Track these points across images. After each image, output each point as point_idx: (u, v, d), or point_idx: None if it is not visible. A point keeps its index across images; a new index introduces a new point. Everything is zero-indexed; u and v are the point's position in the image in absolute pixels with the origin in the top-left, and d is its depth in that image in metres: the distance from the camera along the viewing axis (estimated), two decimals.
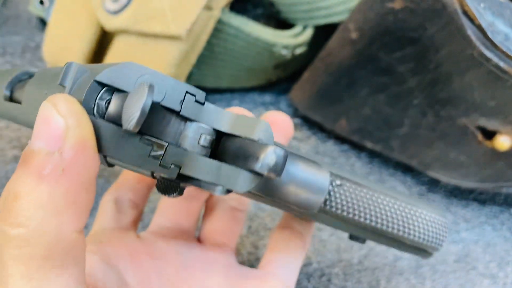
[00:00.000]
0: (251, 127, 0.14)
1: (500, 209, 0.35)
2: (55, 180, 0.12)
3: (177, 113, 0.14)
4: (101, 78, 0.13)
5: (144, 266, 0.20)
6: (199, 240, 0.23)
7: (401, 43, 0.27)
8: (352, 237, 0.21)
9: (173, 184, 0.15)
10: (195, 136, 0.15)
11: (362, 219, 0.19)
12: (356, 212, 0.19)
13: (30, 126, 0.19)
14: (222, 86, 0.37)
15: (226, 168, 0.14)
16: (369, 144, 0.33)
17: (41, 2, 0.39)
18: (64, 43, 0.35)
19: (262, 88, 0.39)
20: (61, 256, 0.13)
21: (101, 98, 0.14)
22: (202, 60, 0.34)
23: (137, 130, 0.13)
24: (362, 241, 0.21)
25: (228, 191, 0.15)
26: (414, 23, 0.25)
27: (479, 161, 0.30)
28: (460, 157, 0.30)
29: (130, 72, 0.14)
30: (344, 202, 0.18)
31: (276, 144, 0.16)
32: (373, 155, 0.36)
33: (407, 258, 0.32)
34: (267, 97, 0.38)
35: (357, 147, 0.36)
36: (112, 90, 0.14)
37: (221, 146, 0.15)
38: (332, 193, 0.18)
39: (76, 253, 0.13)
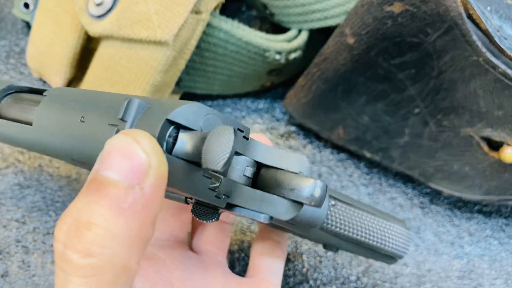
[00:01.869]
0: (291, 161, 0.16)
1: (506, 222, 0.33)
2: (134, 214, 0.13)
3: None
4: (173, 117, 0.14)
5: (151, 278, 0.20)
6: (192, 250, 0.24)
7: (401, 49, 0.25)
8: (326, 246, 0.23)
9: (211, 211, 0.17)
10: (241, 168, 0.16)
11: (350, 234, 0.21)
12: (346, 228, 0.21)
13: (40, 148, 0.19)
14: (214, 92, 0.35)
15: (270, 198, 0.16)
16: (367, 154, 0.32)
17: (26, 5, 0.37)
18: (47, 48, 0.33)
19: (256, 94, 0.37)
20: (124, 285, 0.13)
21: (169, 136, 0.14)
22: (192, 65, 0.32)
23: (223, 170, 0.14)
24: (336, 249, 0.23)
25: (271, 218, 0.16)
26: (415, 27, 0.23)
27: (484, 173, 0.28)
28: (464, 169, 0.29)
29: (197, 111, 0.15)
30: (338, 220, 0.21)
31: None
32: (372, 164, 0.34)
33: (407, 275, 0.31)
34: (261, 104, 0.37)
35: (356, 156, 0.34)
36: (178, 127, 0.15)
37: (261, 177, 0.17)
38: (329, 212, 0.20)
39: (133, 279, 0.14)
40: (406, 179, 0.34)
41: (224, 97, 0.36)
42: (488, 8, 0.22)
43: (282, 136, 0.35)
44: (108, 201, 0.12)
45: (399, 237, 0.24)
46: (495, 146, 0.27)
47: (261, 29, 0.39)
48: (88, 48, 0.33)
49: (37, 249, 0.29)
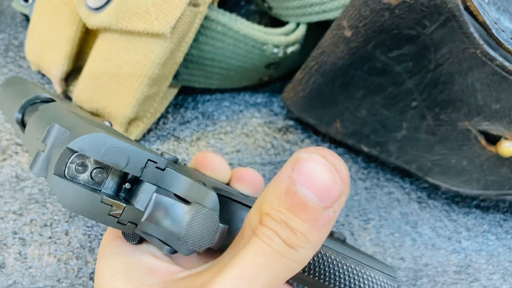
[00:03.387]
0: (200, 196, 0.17)
1: (504, 217, 0.33)
2: (324, 230, 0.15)
3: (137, 178, 0.17)
4: (73, 146, 0.15)
5: None
6: None
7: (398, 41, 0.25)
8: None
9: (133, 235, 0.18)
10: (149, 197, 0.17)
11: (322, 281, 0.21)
12: (328, 279, 0.21)
13: (30, 153, 0.23)
14: (212, 86, 0.35)
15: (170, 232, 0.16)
16: (365, 148, 0.32)
17: None
18: (46, 41, 0.33)
19: (254, 89, 0.37)
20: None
21: (72, 162, 0.16)
22: (190, 59, 0.32)
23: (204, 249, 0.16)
24: None
25: (173, 251, 0.17)
26: (412, 20, 0.23)
27: (482, 168, 0.28)
28: (461, 163, 0.29)
29: (99, 142, 0.16)
30: (320, 271, 0.20)
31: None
32: (370, 159, 0.34)
33: (404, 269, 0.31)
34: (259, 98, 0.36)
35: (353, 151, 0.34)
36: (82, 156, 0.16)
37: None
38: (312, 262, 0.20)
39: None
40: (404, 174, 0.34)
41: (222, 91, 0.36)
42: (486, 0, 0.22)
43: (280, 130, 0.35)
44: (312, 213, 0.15)
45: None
46: (493, 140, 0.27)
47: (260, 23, 0.39)
48: (86, 41, 0.33)
49: (34, 241, 0.30)
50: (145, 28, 0.29)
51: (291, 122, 0.35)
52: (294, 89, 0.32)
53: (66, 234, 0.30)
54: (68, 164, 0.16)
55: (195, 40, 0.31)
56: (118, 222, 0.17)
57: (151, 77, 0.30)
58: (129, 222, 0.17)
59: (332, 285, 0.21)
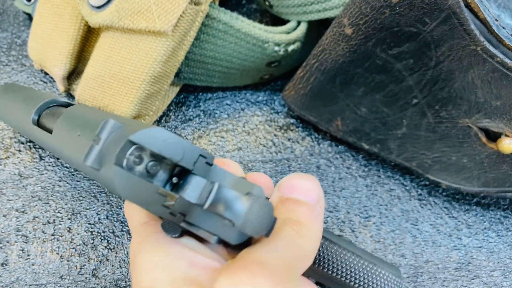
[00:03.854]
0: (247, 190, 0.18)
1: (504, 214, 0.33)
2: (318, 222, 0.19)
3: (189, 171, 0.18)
4: (134, 138, 0.16)
5: None
6: None
7: (398, 39, 0.25)
8: (318, 284, 0.23)
9: (174, 226, 0.19)
10: (199, 190, 0.17)
11: (342, 278, 0.22)
12: (338, 271, 0.22)
13: (57, 153, 0.24)
14: (214, 84, 0.35)
15: (223, 222, 0.17)
16: (366, 146, 0.32)
17: None
18: (48, 40, 0.34)
19: (255, 87, 0.37)
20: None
21: (130, 154, 0.17)
22: (191, 57, 0.32)
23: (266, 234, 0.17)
24: None
25: (220, 241, 0.18)
26: (413, 17, 0.23)
27: (482, 165, 0.28)
28: (462, 160, 0.29)
29: (158, 135, 0.17)
30: (330, 262, 0.22)
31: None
32: (370, 156, 0.34)
33: (405, 266, 0.31)
34: (261, 96, 0.37)
35: (354, 148, 0.34)
36: (140, 149, 0.17)
37: (217, 200, 0.18)
38: (321, 254, 0.22)
39: None
40: (405, 171, 0.34)
41: (223, 89, 0.36)
42: None
43: (281, 128, 0.35)
44: (306, 207, 0.19)
45: (392, 286, 0.23)
46: (493, 137, 0.27)
47: (261, 22, 0.39)
48: (88, 39, 0.34)
49: (36, 238, 0.30)
50: (147, 26, 0.29)
51: (292, 120, 0.35)
52: (295, 87, 0.32)
53: (68, 231, 0.30)
54: (127, 155, 0.16)
55: (197, 38, 0.31)
56: (170, 213, 0.17)
57: (153, 75, 0.30)
58: (179, 213, 0.17)
59: (348, 280, 0.22)
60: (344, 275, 0.22)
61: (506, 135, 0.26)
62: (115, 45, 0.31)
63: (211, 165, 0.18)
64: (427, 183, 0.34)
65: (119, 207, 0.31)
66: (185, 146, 0.17)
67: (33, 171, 0.32)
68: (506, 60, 0.22)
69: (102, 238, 0.30)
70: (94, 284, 0.29)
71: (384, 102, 0.29)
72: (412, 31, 0.24)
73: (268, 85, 0.37)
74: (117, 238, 0.30)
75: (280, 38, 0.31)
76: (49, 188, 0.32)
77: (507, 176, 0.28)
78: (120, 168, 0.16)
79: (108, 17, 0.30)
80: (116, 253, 0.30)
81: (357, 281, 0.22)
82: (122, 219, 0.31)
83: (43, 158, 0.33)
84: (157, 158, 0.17)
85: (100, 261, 0.29)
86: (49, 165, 0.33)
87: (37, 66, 0.36)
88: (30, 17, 0.39)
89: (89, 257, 0.29)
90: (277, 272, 0.16)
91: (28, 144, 0.33)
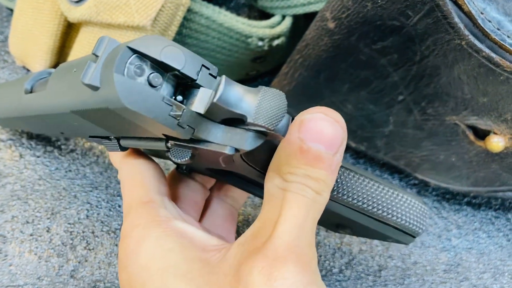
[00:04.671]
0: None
1: (495, 215, 0.32)
2: (336, 172, 0.18)
3: (193, 80, 0.16)
4: (134, 45, 0.15)
5: None
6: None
7: (382, 32, 0.24)
8: (339, 227, 0.23)
9: (184, 150, 0.18)
10: (205, 101, 0.16)
11: (365, 205, 0.21)
12: (359, 198, 0.21)
13: (48, 109, 0.22)
14: None
15: (234, 131, 0.16)
16: (352, 144, 0.31)
17: None
18: (28, 35, 0.33)
19: (242, 83, 0.36)
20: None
21: (131, 63, 0.16)
22: None
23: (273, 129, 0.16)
24: (350, 231, 0.23)
25: (237, 151, 0.16)
26: (395, 10, 0.22)
27: (471, 163, 0.27)
28: (450, 159, 0.28)
29: (157, 42, 0.16)
30: (351, 189, 0.21)
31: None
32: (358, 155, 0.33)
33: (392, 268, 0.30)
34: None
35: None
36: (140, 59, 0.16)
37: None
38: (340, 180, 0.21)
39: None
40: (393, 170, 0.33)
41: None
42: None
43: None
44: (327, 163, 0.18)
45: (413, 209, 0.22)
46: (482, 135, 0.26)
47: (249, 16, 0.38)
48: (69, 35, 0.33)
49: (15, 238, 0.29)
50: (125, 21, 0.28)
51: None
52: (280, 83, 0.31)
53: (47, 231, 0.30)
54: (127, 64, 0.15)
55: (179, 33, 0.30)
56: (178, 124, 0.16)
57: None
58: (188, 126, 0.16)
59: (369, 206, 0.21)
60: (364, 200, 0.21)
61: (494, 133, 0.25)
62: (94, 41, 0.30)
63: (215, 77, 0.17)
64: (416, 182, 0.33)
65: (99, 206, 0.31)
66: (187, 54, 0.16)
67: (13, 169, 0.31)
68: (492, 54, 0.21)
69: (82, 238, 0.30)
70: (73, 285, 0.28)
71: (370, 99, 0.28)
72: (395, 24, 0.23)
73: (255, 82, 0.36)
74: (96, 238, 0.30)
75: (264, 33, 0.30)
76: (28, 187, 0.31)
77: (496, 175, 0.27)
78: (121, 76, 0.15)
79: (86, 11, 0.29)
80: (96, 254, 0.29)
81: (379, 206, 0.21)
82: (102, 219, 0.30)
83: (23, 156, 0.32)
84: (159, 68, 0.16)
85: (79, 262, 0.29)
86: (29, 164, 0.32)
87: (19, 62, 0.36)
88: (13, 13, 0.38)
89: (67, 258, 0.29)
90: (304, 253, 0.17)
91: (9, 142, 0.33)
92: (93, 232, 0.30)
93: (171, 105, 0.16)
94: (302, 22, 0.32)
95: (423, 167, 0.29)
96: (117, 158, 0.24)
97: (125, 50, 0.15)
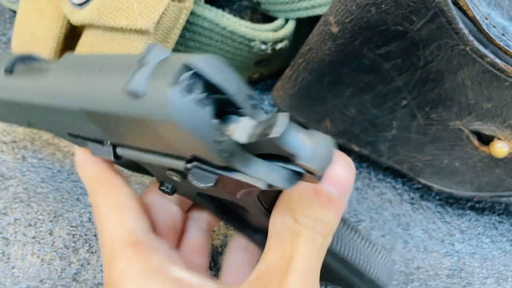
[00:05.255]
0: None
1: (499, 220, 0.32)
2: (341, 214, 0.19)
3: (239, 108, 0.16)
4: (190, 63, 0.15)
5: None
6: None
7: (385, 38, 0.24)
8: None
9: (209, 175, 0.17)
10: (248, 131, 0.16)
11: (355, 262, 0.22)
12: (348, 252, 0.21)
13: (45, 100, 0.20)
14: None
15: (271, 166, 0.16)
16: (356, 148, 0.31)
17: None
18: (31, 38, 0.33)
19: None
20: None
21: (185, 79, 0.15)
22: None
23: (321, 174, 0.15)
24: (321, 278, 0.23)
25: (270, 186, 0.16)
26: (399, 15, 0.22)
27: (475, 169, 0.27)
28: (454, 164, 0.28)
29: (214, 63, 0.15)
30: (344, 242, 0.21)
31: None
32: (361, 159, 0.33)
33: (394, 273, 0.30)
34: None
35: (344, 151, 0.33)
36: (191, 77, 0.15)
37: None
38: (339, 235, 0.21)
39: None
40: (396, 174, 0.33)
41: None
42: None
43: None
44: (337, 207, 0.18)
45: (386, 265, 0.23)
46: (486, 140, 0.26)
47: (252, 19, 0.38)
48: (72, 37, 0.33)
49: (17, 241, 0.29)
50: (128, 24, 0.28)
51: None
52: (283, 87, 0.31)
53: (50, 234, 0.30)
54: (181, 81, 0.15)
55: (182, 36, 0.30)
56: (220, 149, 0.15)
57: None
58: (228, 153, 0.16)
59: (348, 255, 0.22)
60: (347, 251, 0.22)
61: (499, 138, 0.25)
62: (97, 44, 0.30)
63: (256, 107, 0.16)
64: (419, 186, 0.33)
65: None
66: (240, 82, 0.15)
67: (15, 172, 0.32)
68: (497, 60, 0.21)
69: (84, 241, 0.30)
70: None
71: (373, 103, 0.28)
72: (399, 29, 0.23)
73: (258, 85, 0.36)
74: (99, 241, 0.30)
75: (267, 36, 0.30)
76: (31, 189, 0.31)
77: (500, 180, 0.27)
78: (176, 91, 0.14)
79: (89, 14, 0.29)
80: (98, 256, 0.29)
81: (360, 256, 0.22)
82: None
83: (26, 158, 0.32)
84: (208, 90, 0.15)
85: (82, 265, 0.29)
86: (32, 166, 0.32)
87: None
88: (16, 15, 0.38)
89: (70, 261, 0.29)
90: None
91: (11, 144, 0.33)
92: (95, 235, 0.30)
93: (219, 130, 0.15)
94: (305, 25, 0.32)
95: (426, 171, 0.29)
96: (87, 173, 0.22)
97: (181, 66, 0.15)
